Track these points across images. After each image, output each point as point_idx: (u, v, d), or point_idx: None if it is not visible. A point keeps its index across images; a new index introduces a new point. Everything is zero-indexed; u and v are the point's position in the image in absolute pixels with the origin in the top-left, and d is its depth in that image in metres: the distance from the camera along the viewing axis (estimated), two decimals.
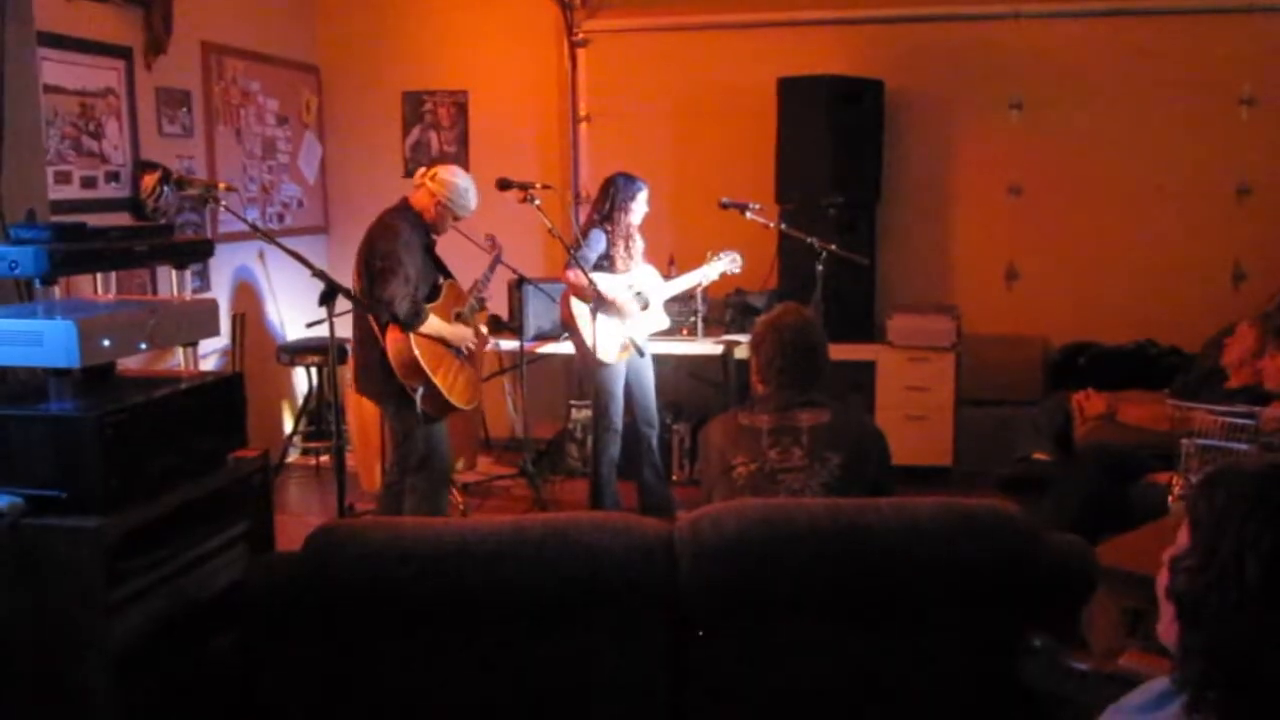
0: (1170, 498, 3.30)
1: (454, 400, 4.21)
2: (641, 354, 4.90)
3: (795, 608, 2.32)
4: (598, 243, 4.83)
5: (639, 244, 5.00)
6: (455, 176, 4.27)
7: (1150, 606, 1.41)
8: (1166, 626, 1.34)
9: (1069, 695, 2.18)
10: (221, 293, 5.49)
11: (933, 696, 2.32)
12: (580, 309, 4.84)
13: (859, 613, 2.33)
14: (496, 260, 4.75)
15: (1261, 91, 5.70)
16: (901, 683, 2.32)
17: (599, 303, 4.67)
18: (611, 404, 4.94)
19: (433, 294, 4.27)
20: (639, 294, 4.96)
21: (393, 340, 4.07)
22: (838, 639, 2.32)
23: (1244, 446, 3.15)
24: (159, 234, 2.80)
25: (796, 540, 2.28)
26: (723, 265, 5.08)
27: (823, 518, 2.32)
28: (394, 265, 4.03)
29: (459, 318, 4.40)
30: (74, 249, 2.35)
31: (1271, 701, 1.21)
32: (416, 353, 4.06)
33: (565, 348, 5.87)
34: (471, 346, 4.40)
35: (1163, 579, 1.34)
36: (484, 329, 4.84)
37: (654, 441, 5.11)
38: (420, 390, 4.09)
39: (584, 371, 5.02)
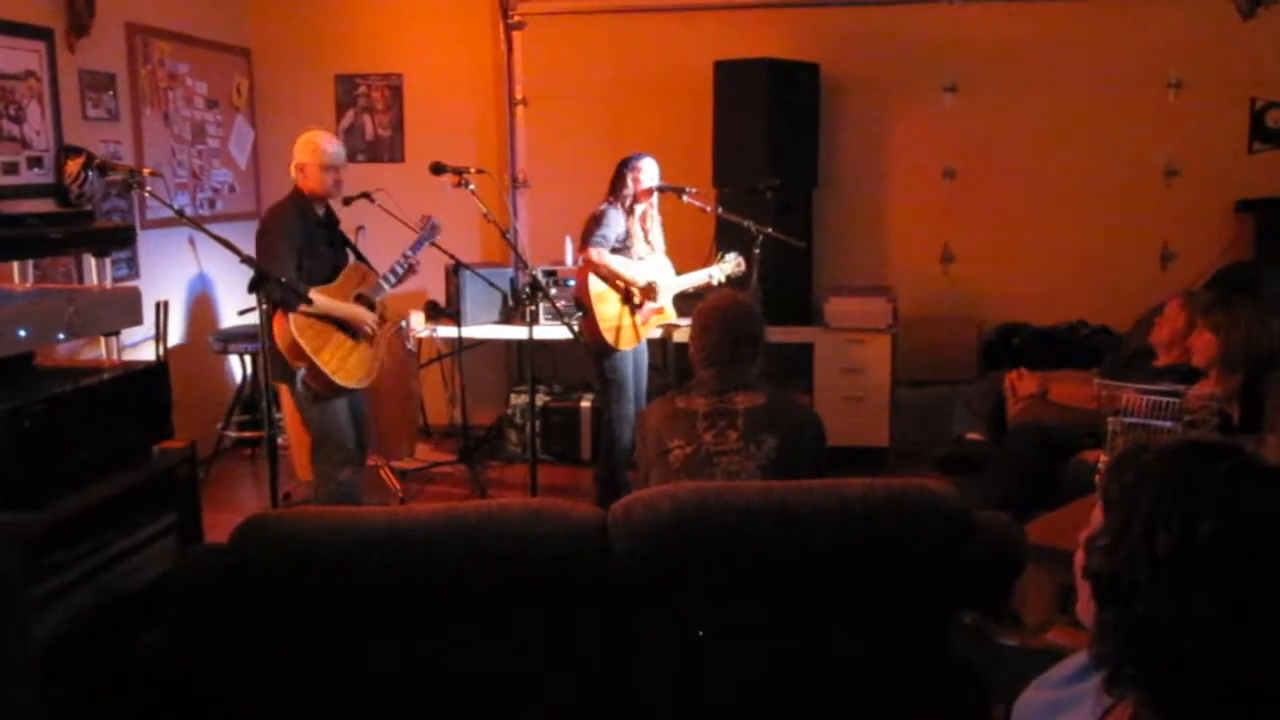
0: (1097, 475, 3.36)
1: (340, 380, 4.19)
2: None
3: (729, 589, 2.33)
4: (615, 222, 4.78)
5: (658, 234, 4.97)
6: (312, 137, 4.35)
7: None
8: (1084, 605, 1.35)
9: (998, 670, 2.21)
10: (151, 280, 5.38)
11: (866, 673, 2.35)
12: (598, 288, 4.78)
13: (792, 592, 2.34)
14: (422, 239, 4.63)
15: (1188, 75, 5.80)
16: (835, 660, 2.34)
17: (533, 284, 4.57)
18: (622, 390, 4.87)
19: (332, 275, 4.29)
20: (650, 282, 4.90)
21: (277, 322, 4.06)
22: (772, 619, 2.33)
23: (1169, 424, 3.21)
24: (77, 221, 2.73)
25: (729, 522, 2.29)
26: (728, 267, 5.00)
27: (755, 499, 2.33)
28: (269, 247, 4.06)
29: (359, 299, 4.36)
30: None
31: (1186, 677, 1.22)
32: (295, 334, 4.04)
33: (503, 331, 5.85)
34: (371, 329, 4.36)
35: (1079, 559, 1.35)
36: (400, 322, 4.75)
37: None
38: (302, 370, 4.10)
39: (592, 355, 4.92)
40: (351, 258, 4.49)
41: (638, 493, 2.44)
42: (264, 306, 3.44)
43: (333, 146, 4.35)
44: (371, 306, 4.41)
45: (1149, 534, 1.23)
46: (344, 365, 4.23)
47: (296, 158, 4.31)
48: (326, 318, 4.20)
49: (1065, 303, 5.92)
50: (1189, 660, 1.22)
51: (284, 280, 3.84)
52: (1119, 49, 5.83)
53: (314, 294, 4.08)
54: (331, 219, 4.45)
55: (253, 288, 3.36)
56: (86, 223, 2.74)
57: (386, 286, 4.50)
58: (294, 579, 2.23)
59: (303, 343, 4.06)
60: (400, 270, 4.54)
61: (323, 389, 4.20)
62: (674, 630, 2.32)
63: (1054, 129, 5.95)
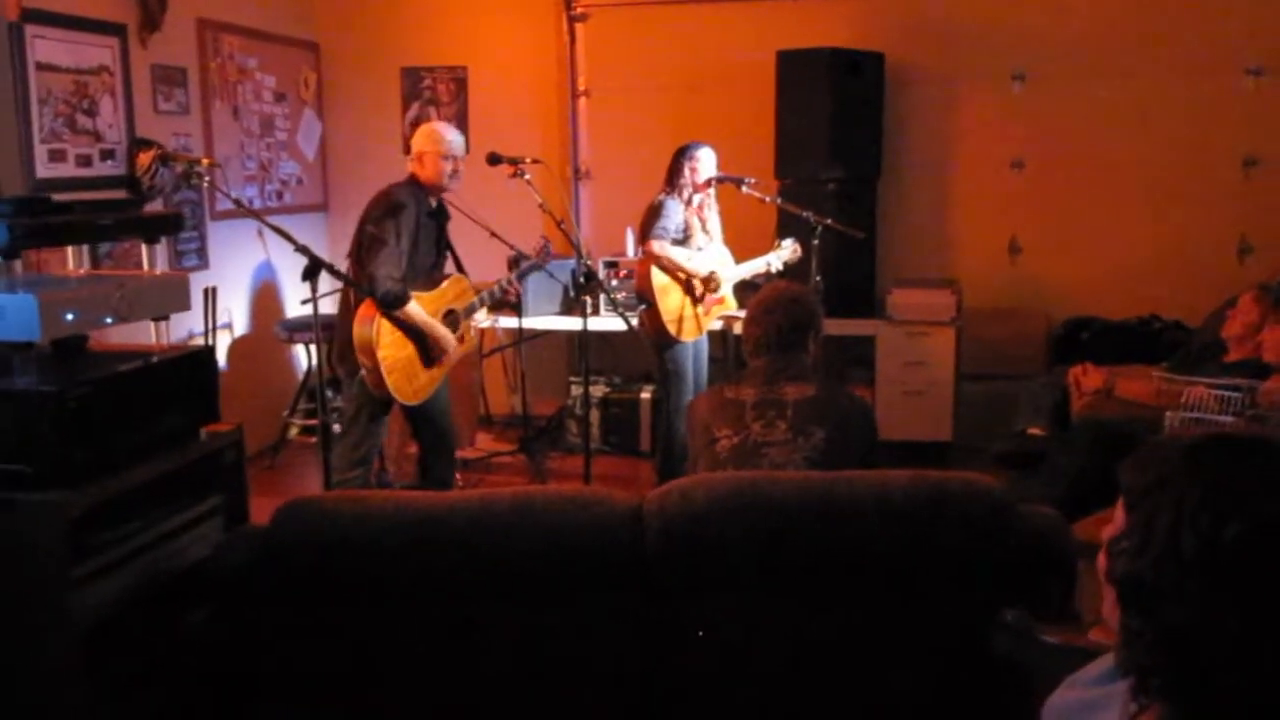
0: None
1: (398, 397, 4.01)
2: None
3: (764, 580, 2.30)
4: (675, 213, 4.78)
5: (715, 223, 4.97)
6: (432, 126, 4.29)
7: None
8: (1109, 609, 1.30)
9: (1039, 668, 2.16)
10: (220, 270, 5.50)
11: (904, 667, 2.30)
12: (661, 281, 4.78)
13: (829, 585, 2.30)
14: (537, 263, 4.69)
15: (1268, 61, 5.61)
16: (872, 654, 2.30)
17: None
18: (683, 381, 4.87)
19: (429, 276, 4.16)
20: (712, 272, 4.90)
21: (361, 314, 3.94)
22: (807, 611, 2.30)
23: (1231, 419, 3.10)
24: (125, 208, 2.79)
25: (764, 512, 2.26)
26: (785, 253, 4.99)
27: (792, 490, 2.30)
28: (384, 236, 3.91)
29: (449, 315, 4.22)
30: (35, 223, 2.34)
31: (1214, 688, 1.17)
32: (374, 334, 3.88)
33: (564, 323, 5.86)
34: (446, 356, 4.19)
35: (1102, 562, 1.30)
36: (472, 333, 4.59)
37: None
38: (363, 370, 3.93)
39: (654, 346, 4.92)
40: (452, 266, 4.37)
41: (674, 482, 2.42)
42: (317, 295, 3.44)
43: (451, 135, 4.23)
44: (456, 326, 4.25)
45: (1174, 537, 1.17)
46: (407, 384, 4.04)
47: (415, 147, 4.21)
48: (412, 330, 4.04)
49: (1137, 296, 5.76)
50: (1217, 671, 1.16)
51: (397, 281, 3.78)
52: (1195, 34, 5.66)
53: (414, 303, 3.98)
54: (443, 215, 4.32)
55: (306, 275, 3.38)
56: (135, 210, 2.80)
57: (480, 307, 4.39)
58: (328, 562, 2.26)
59: (378, 344, 3.89)
60: (498, 294, 4.45)
61: (377, 394, 4.01)
62: (708, 621, 2.30)
63: (1127, 117, 5.79)
